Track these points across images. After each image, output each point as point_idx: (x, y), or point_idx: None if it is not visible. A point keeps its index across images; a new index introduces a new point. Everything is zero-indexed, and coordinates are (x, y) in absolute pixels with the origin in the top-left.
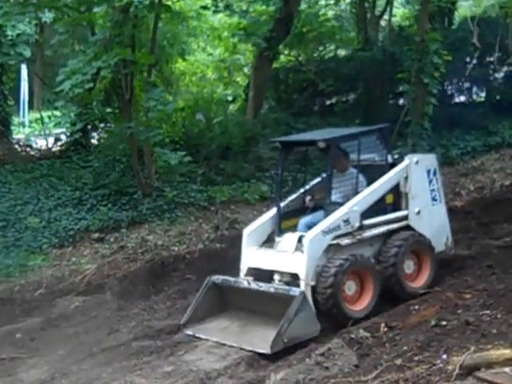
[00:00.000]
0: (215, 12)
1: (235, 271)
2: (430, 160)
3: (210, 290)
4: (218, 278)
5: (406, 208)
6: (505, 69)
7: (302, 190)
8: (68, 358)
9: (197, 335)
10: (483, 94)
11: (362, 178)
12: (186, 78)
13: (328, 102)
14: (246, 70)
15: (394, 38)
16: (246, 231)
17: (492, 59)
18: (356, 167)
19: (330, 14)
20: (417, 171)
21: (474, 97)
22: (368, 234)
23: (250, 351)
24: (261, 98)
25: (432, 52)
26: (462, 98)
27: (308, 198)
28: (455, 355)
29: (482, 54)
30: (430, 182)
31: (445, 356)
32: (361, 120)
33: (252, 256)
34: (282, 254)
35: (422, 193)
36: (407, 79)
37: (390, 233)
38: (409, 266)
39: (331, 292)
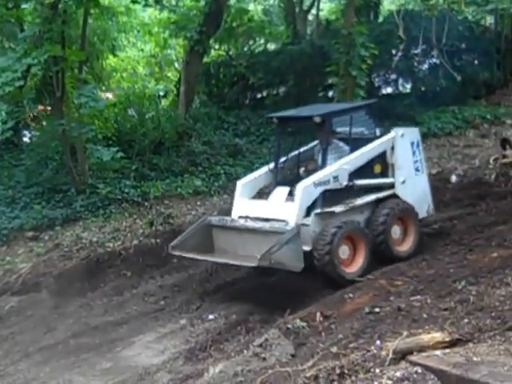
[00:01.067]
0: (145, 6)
1: (171, 266)
2: (413, 133)
3: (203, 228)
4: (215, 218)
5: (393, 177)
6: (429, 60)
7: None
8: (4, 360)
9: (184, 255)
10: (409, 86)
11: (345, 147)
12: (118, 74)
13: (259, 96)
14: (177, 65)
15: (322, 32)
16: (240, 182)
17: (417, 51)
18: (340, 139)
19: (259, 8)
20: (402, 143)
21: (401, 88)
22: (359, 201)
23: (238, 266)
24: (192, 93)
25: (359, 45)
26: (389, 90)
27: (302, 169)
28: (389, 341)
29: (407, 46)
30: (414, 153)
31: (379, 342)
32: None
33: (244, 206)
34: (273, 204)
35: (406, 163)
36: (336, 72)
37: (379, 201)
38: (395, 232)
39: (328, 257)
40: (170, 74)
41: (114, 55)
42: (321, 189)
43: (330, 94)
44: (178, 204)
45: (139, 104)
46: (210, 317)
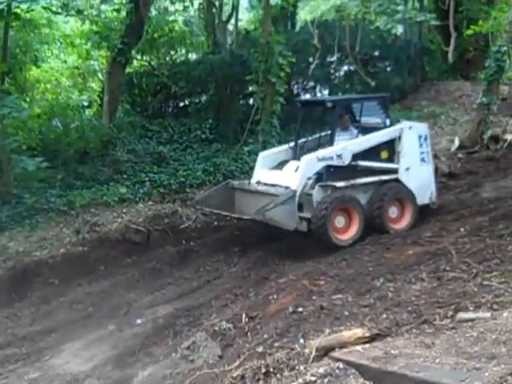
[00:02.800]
0: (67, 16)
1: (98, 273)
2: (422, 128)
3: (225, 188)
4: (235, 182)
5: (398, 164)
6: (344, 68)
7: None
8: None
9: (208, 209)
10: (326, 92)
11: (356, 134)
12: (41, 85)
13: (181, 104)
14: (100, 75)
15: (241, 42)
16: (262, 154)
17: (332, 59)
18: (357, 128)
19: (180, 19)
20: (409, 134)
21: (319, 95)
22: (360, 180)
23: (238, 218)
24: (116, 103)
25: (277, 53)
26: (308, 96)
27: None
28: (312, 339)
29: (324, 54)
30: (421, 145)
31: (302, 340)
32: (213, 120)
33: (261, 174)
34: (284, 173)
35: (412, 153)
36: (255, 80)
37: (382, 183)
38: (393, 212)
39: (322, 222)
40: (93, 85)
41: (37, 67)
42: (323, 163)
43: (251, 101)
44: (104, 212)
45: (63, 114)
46: (138, 321)
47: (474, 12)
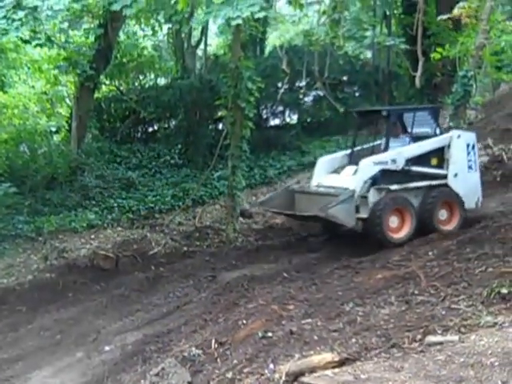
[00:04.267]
0: (37, 46)
1: (67, 300)
2: (470, 137)
3: (286, 191)
4: (295, 186)
5: (447, 170)
6: (313, 93)
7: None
8: None
9: (271, 210)
10: (295, 117)
11: (407, 142)
12: (8, 110)
13: (150, 129)
14: (68, 101)
15: (211, 66)
16: (321, 160)
17: (301, 84)
18: (408, 137)
19: (149, 44)
20: (458, 143)
21: (288, 119)
22: (412, 184)
23: (302, 217)
24: (84, 128)
25: (246, 79)
26: (277, 121)
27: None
28: (281, 364)
29: (292, 79)
30: (468, 153)
31: (272, 365)
32: (182, 145)
33: (320, 177)
34: (342, 176)
35: (460, 160)
36: (224, 105)
37: (432, 188)
38: (442, 214)
39: (378, 222)
40: (61, 110)
41: (4, 92)
42: (379, 167)
43: (220, 126)
44: (72, 238)
45: (31, 140)
46: (107, 348)
47: (441, 37)
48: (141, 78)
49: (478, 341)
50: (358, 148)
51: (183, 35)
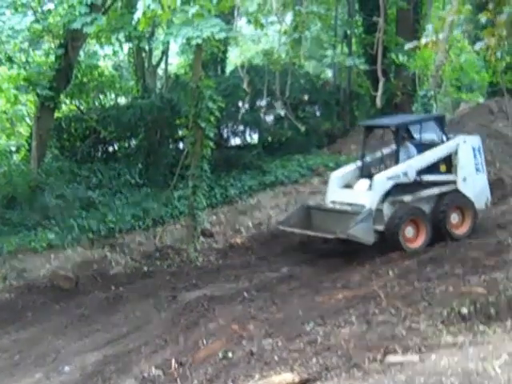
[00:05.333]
0: None
1: (26, 320)
2: (475, 140)
3: (303, 209)
4: (310, 203)
5: (456, 175)
6: (274, 112)
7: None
8: None
9: (289, 230)
10: (256, 136)
11: (414, 150)
12: None
13: (111, 149)
14: (28, 120)
15: (171, 86)
16: (333, 175)
17: (262, 104)
18: (415, 145)
19: (109, 63)
20: (464, 147)
21: (248, 139)
22: (423, 193)
23: (322, 237)
24: (44, 148)
25: (207, 98)
26: (238, 141)
27: (382, 166)
28: None
29: (253, 99)
30: (475, 156)
31: None
32: (143, 165)
33: (335, 192)
34: (357, 192)
35: (467, 164)
36: (185, 124)
37: (443, 194)
38: (454, 218)
39: (395, 233)
40: (21, 130)
41: None
42: (392, 182)
43: (181, 145)
44: (31, 258)
45: None
46: (66, 369)
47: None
48: (101, 97)
49: (439, 360)
50: (368, 159)
51: (144, 54)
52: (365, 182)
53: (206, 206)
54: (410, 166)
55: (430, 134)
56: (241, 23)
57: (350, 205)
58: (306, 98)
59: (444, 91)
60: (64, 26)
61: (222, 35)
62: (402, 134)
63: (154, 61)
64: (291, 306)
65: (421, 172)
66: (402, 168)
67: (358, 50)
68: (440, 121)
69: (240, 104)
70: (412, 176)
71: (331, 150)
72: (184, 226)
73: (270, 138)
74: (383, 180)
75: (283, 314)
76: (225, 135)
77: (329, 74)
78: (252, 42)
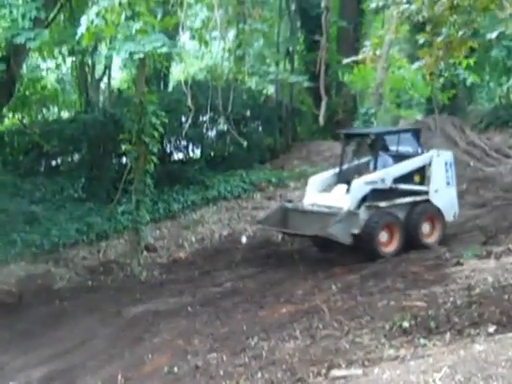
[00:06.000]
0: None
1: None
2: (447, 155)
3: (281, 209)
4: (289, 203)
5: (428, 186)
6: (217, 128)
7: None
8: None
9: (270, 228)
10: (199, 151)
11: (389, 159)
12: None
13: (54, 163)
14: None
15: (114, 101)
16: (311, 179)
17: (205, 119)
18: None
19: (52, 77)
20: (437, 161)
21: (191, 154)
22: (398, 201)
23: (303, 235)
24: None
25: (150, 113)
26: (181, 156)
27: (359, 174)
28: None
29: (196, 114)
30: (447, 171)
31: None
32: (86, 179)
33: (313, 196)
34: (334, 196)
35: (439, 177)
36: (128, 139)
37: (416, 203)
38: (426, 228)
39: (372, 237)
40: None
41: None
42: (370, 187)
43: (124, 160)
44: None
45: None
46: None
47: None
48: (44, 111)
49: (381, 374)
50: (346, 166)
51: (87, 68)
52: (342, 186)
53: (150, 221)
54: (387, 173)
55: (406, 146)
56: (185, 39)
57: (329, 207)
58: (248, 113)
59: (384, 108)
60: (6, 40)
61: (165, 50)
62: (381, 144)
63: (98, 75)
64: (235, 320)
65: (397, 180)
66: (379, 175)
67: (300, 67)
68: (416, 134)
69: (183, 119)
70: (389, 182)
71: (274, 166)
72: (127, 241)
73: (212, 153)
74: (361, 184)
75: (227, 328)
76: (168, 150)
77: (271, 90)
78: (196, 58)
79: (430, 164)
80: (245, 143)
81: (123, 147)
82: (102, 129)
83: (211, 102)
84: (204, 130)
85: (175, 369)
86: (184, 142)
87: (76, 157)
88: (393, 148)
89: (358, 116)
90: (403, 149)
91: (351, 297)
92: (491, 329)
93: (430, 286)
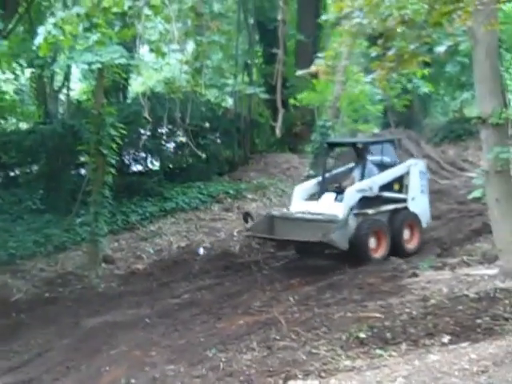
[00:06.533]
0: None
1: None
2: (422, 164)
3: (268, 218)
4: (276, 212)
5: (406, 194)
6: (175, 139)
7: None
8: None
9: (259, 236)
10: (157, 163)
11: (375, 169)
12: None
13: (12, 174)
14: None
15: (73, 112)
16: (297, 188)
17: (163, 131)
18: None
19: (11, 88)
20: (414, 170)
21: (150, 165)
22: (383, 208)
23: (304, 242)
24: None
25: (109, 125)
26: (139, 167)
27: (341, 182)
28: None
29: (155, 126)
30: (421, 179)
31: None
32: (44, 190)
33: (299, 204)
34: (324, 204)
35: (416, 185)
36: (87, 151)
37: (396, 210)
38: (406, 234)
39: (363, 243)
40: None
41: None
42: (360, 195)
43: (83, 171)
44: None
45: None
46: None
47: (300, 89)
48: (2, 122)
49: None
50: (327, 175)
51: (46, 80)
52: (330, 195)
53: (108, 233)
54: (374, 181)
55: (384, 155)
56: (143, 51)
57: (321, 214)
58: (207, 125)
59: (341, 121)
60: None
61: (122, 61)
62: (368, 152)
63: (56, 86)
64: (193, 332)
65: (381, 188)
66: (367, 183)
67: (258, 80)
68: (394, 143)
69: (142, 131)
70: (376, 191)
71: (232, 178)
72: (86, 252)
73: (171, 165)
74: (353, 193)
75: (185, 340)
76: (126, 162)
77: (230, 102)
78: (154, 70)
79: (407, 173)
80: (203, 155)
81: (82, 158)
82: (61, 140)
83: (169, 114)
84: (162, 142)
85: (132, 380)
86: (142, 154)
87: (34, 168)
88: (375, 157)
89: (316, 128)
90: (377, 158)
91: (308, 308)
92: (445, 339)
93: (386, 298)
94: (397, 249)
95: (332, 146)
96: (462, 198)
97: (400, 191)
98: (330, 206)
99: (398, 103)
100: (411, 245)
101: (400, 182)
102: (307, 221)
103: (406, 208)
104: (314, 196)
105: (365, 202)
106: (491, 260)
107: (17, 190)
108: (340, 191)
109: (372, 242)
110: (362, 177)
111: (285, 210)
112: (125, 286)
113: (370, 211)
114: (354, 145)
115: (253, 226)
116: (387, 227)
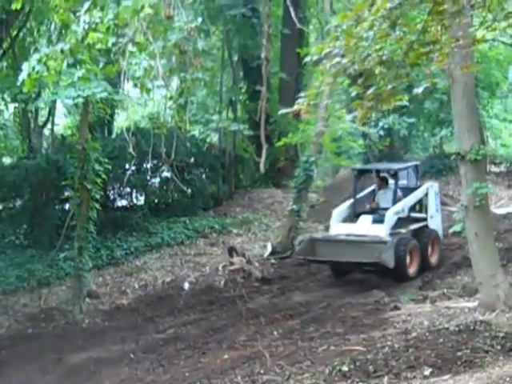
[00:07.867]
0: None
1: None
2: (436, 186)
3: (310, 241)
4: (317, 235)
5: (426, 213)
6: (160, 175)
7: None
8: None
9: (308, 258)
10: (142, 198)
11: (399, 192)
12: None
13: None
14: None
15: (58, 147)
16: (335, 211)
17: (148, 166)
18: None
19: None
20: (431, 191)
21: (135, 200)
22: (412, 227)
23: (357, 263)
24: None
25: (93, 160)
26: (124, 202)
27: (368, 205)
28: None
29: (140, 161)
30: (436, 199)
31: None
32: (28, 225)
33: (338, 227)
34: (363, 226)
35: (433, 205)
36: (71, 185)
37: (420, 229)
38: (429, 249)
39: (402, 261)
40: None
41: None
42: (396, 216)
43: (67, 206)
44: None
45: None
46: None
47: (283, 125)
48: None
49: None
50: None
51: (30, 114)
52: (367, 217)
53: (92, 268)
54: (405, 203)
55: (408, 179)
56: (128, 87)
57: (364, 236)
58: (192, 160)
59: (324, 157)
60: None
61: (104, 95)
62: (399, 178)
63: (41, 121)
64: (177, 367)
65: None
66: (401, 205)
67: (242, 116)
68: (417, 168)
69: (127, 166)
70: (406, 212)
71: (217, 213)
72: (70, 288)
73: (156, 200)
74: (392, 215)
75: (170, 375)
76: (111, 197)
77: (214, 137)
78: (139, 106)
79: (426, 194)
80: (188, 190)
81: (66, 193)
82: (45, 175)
83: (154, 150)
84: (147, 177)
85: None
86: (127, 189)
87: (18, 203)
88: (404, 181)
89: (299, 164)
90: (401, 182)
91: (292, 342)
92: (427, 372)
93: (368, 331)
94: (423, 264)
95: (361, 172)
96: (444, 232)
97: (420, 211)
98: (370, 228)
99: (378, 144)
100: (433, 258)
101: (420, 203)
102: (353, 242)
103: (426, 226)
104: (347, 219)
105: (399, 222)
106: (471, 293)
107: (0, 224)
108: (371, 213)
109: (407, 260)
110: (394, 200)
111: (325, 233)
112: (109, 322)
113: (403, 230)
114: (378, 171)
115: (298, 250)
116: (418, 245)
